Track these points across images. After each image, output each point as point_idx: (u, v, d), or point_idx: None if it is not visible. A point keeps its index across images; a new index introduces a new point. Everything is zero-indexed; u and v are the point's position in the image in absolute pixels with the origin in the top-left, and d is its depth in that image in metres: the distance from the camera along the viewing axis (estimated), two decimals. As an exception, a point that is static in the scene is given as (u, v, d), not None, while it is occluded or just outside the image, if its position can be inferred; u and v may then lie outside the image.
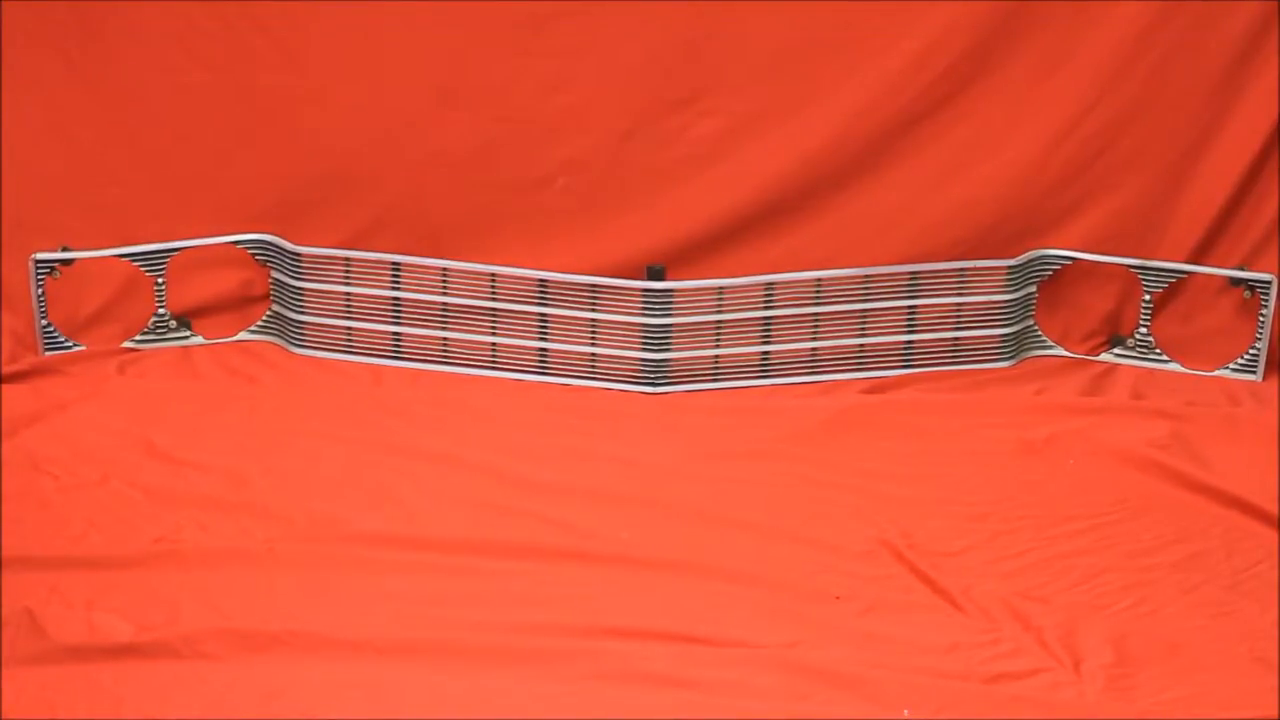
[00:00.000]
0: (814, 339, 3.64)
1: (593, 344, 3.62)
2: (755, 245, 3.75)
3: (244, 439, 3.27)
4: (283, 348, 3.71)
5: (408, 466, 3.18)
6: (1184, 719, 2.47)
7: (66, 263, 3.62)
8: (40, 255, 3.60)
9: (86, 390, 3.45)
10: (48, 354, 3.61)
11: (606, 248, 3.71)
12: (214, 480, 3.10)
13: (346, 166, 3.76)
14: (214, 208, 3.75)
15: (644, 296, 3.59)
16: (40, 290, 3.60)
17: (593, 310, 3.61)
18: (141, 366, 3.62)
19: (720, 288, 3.59)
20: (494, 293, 3.63)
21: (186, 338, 3.71)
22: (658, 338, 3.58)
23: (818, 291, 3.62)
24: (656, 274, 3.60)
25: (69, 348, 3.63)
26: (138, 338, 3.69)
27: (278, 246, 3.68)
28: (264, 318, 3.74)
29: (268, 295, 3.75)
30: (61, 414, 3.33)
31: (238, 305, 3.79)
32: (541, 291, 3.62)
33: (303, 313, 3.67)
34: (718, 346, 3.61)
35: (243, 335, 3.74)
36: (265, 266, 3.72)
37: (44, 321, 3.61)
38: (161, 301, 3.68)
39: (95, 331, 3.70)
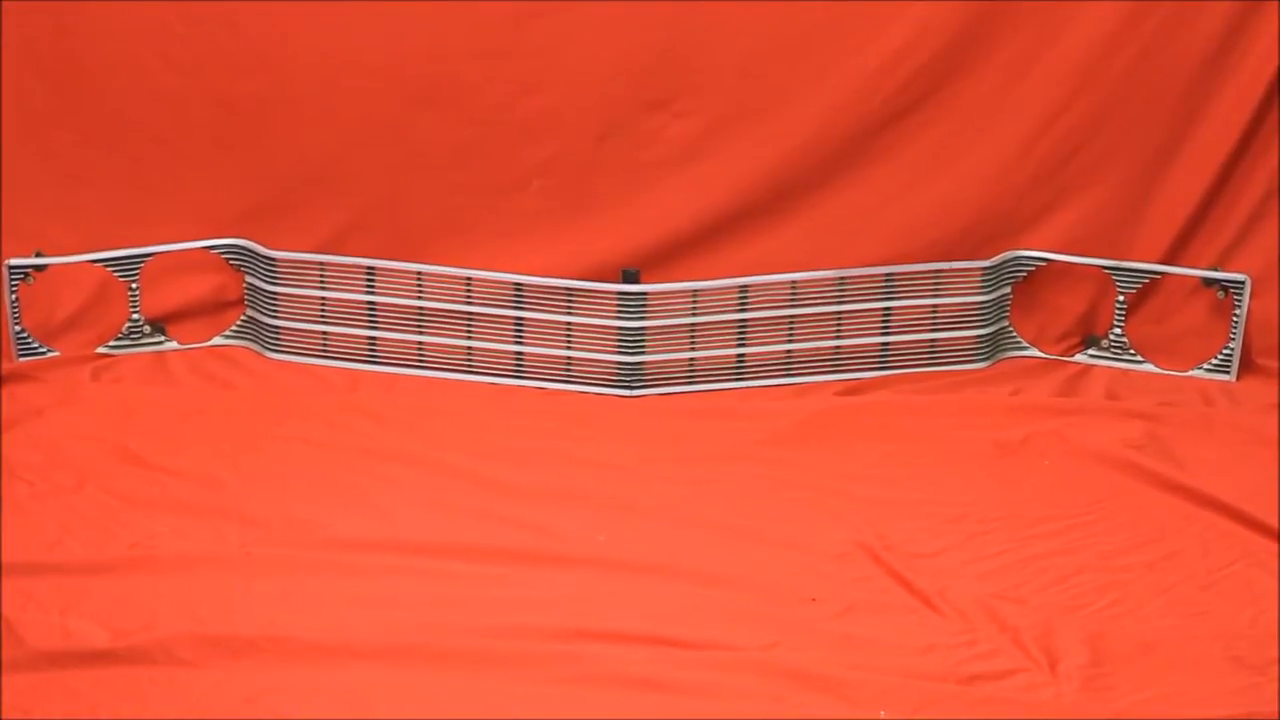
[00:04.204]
0: (789, 341, 3.64)
1: (568, 347, 3.62)
2: (730, 247, 3.75)
3: (219, 444, 3.26)
4: (257, 353, 3.70)
5: (384, 471, 3.18)
6: (1160, 718, 2.46)
7: (40, 268, 3.61)
8: (14, 261, 3.59)
9: (61, 396, 3.44)
10: (21, 360, 3.60)
11: (581, 250, 3.71)
12: (189, 485, 3.09)
13: (321, 170, 3.76)
14: (188, 212, 3.74)
15: (619, 299, 3.59)
16: (14, 296, 3.59)
17: (568, 314, 3.61)
18: (116, 372, 3.61)
19: (695, 290, 3.59)
20: (469, 296, 3.63)
21: (161, 343, 3.70)
22: (633, 341, 3.58)
23: (793, 294, 3.62)
24: (631, 277, 3.60)
25: (43, 353, 3.62)
26: (112, 343, 3.68)
27: (252, 251, 3.68)
28: (238, 323, 3.74)
29: (242, 300, 3.74)
30: (36, 420, 3.32)
31: (212, 310, 3.78)
32: (517, 295, 3.62)
33: (277, 317, 3.66)
34: (693, 349, 3.62)
35: (217, 340, 3.73)
36: (239, 271, 3.72)
37: (18, 327, 3.60)
38: (135, 307, 3.67)
39: (69, 337, 3.69)
